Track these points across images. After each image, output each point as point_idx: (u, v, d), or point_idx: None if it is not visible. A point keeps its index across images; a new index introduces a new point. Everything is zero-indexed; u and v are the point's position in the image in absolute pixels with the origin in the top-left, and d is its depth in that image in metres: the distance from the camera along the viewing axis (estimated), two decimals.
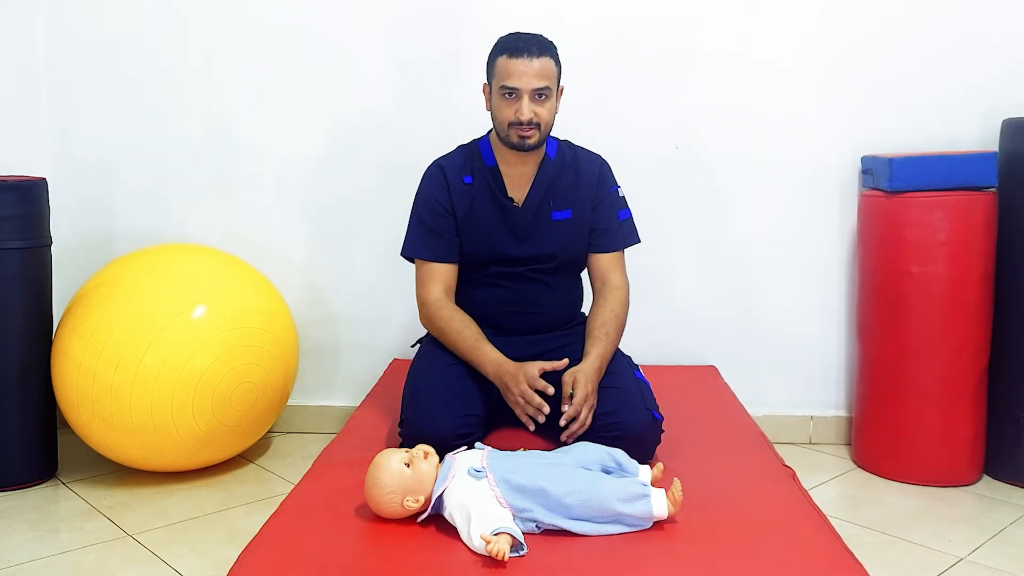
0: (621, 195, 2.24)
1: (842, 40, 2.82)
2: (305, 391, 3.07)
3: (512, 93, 2.04)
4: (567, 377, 1.96)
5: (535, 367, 1.95)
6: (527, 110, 2.03)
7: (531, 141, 2.07)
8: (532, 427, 1.95)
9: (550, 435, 2.01)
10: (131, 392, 2.39)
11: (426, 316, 2.17)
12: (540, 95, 2.04)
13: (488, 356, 2.03)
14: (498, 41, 2.10)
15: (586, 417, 1.92)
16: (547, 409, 1.92)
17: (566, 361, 1.99)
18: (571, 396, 1.92)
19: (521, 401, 1.94)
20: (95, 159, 3.01)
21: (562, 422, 1.92)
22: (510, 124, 2.06)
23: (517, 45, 2.04)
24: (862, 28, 2.81)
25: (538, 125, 2.06)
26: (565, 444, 1.89)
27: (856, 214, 2.81)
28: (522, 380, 1.94)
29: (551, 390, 1.93)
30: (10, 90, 2.93)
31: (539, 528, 1.59)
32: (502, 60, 2.05)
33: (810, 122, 2.86)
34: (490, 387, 2.08)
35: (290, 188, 2.99)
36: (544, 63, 2.04)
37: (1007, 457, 2.64)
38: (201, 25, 2.94)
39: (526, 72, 2.02)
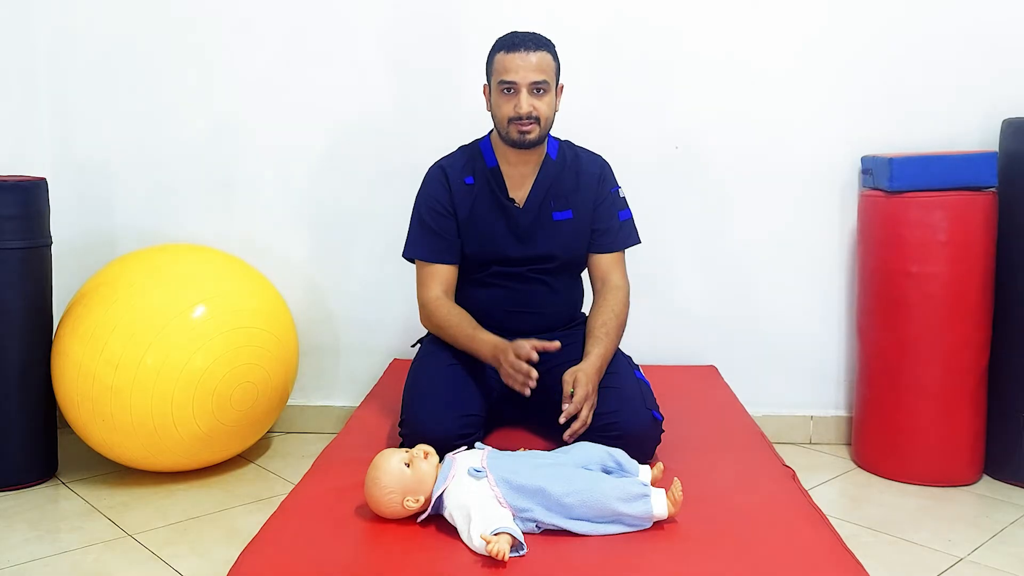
0: (622, 195, 2.24)
1: (842, 40, 2.82)
2: (305, 391, 3.07)
3: (511, 88, 2.04)
4: (567, 376, 1.95)
5: (527, 343, 1.94)
6: (525, 104, 2.03)
7: (531, 136, 2.07)
8: (527, 392, 1.92)
9: (550, 435, 2.01)
10: (131, 392, 2.39)
11: (425, 316, 2.17)
12: (538, 89, 2.04)
13: (485, 340, 2.02)
14: (496, 40, 2.10)
15: (587, 416, 1.92)
16: (535, 374, 1.90)
17: (558, 344, 1.97)
18: (571, 395, 1.92)
19: (511, 371, 1.92)
20: (95, 159, 3.01)
21: (562, 420, 1.91)
22: (510, 120, 2.06)
23: (514, 41, 2.05)
24: (862, 28, 2.81)
25: (537, 120, 2.06)
26: (565, 444, 1.89)
27: (856, 214, 2.81)
28: (510, 352, 1.93)
29: (535, 356, 1.91)
30: (10, 90, 2.93)
31: (539, 528, 1.59)
32: (500, 56, 2.06)
33: (810, 122, 2.86)
34: (490, 387, 2.08)
35: (290, 188, 2.99)
36: (541, 57, 2.04)
37: (1007, 457, 2.64)
38: (201, 25, 2.94)
39: (523, 66, 2.02)
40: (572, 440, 1.90)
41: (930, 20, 2.79)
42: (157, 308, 2.45)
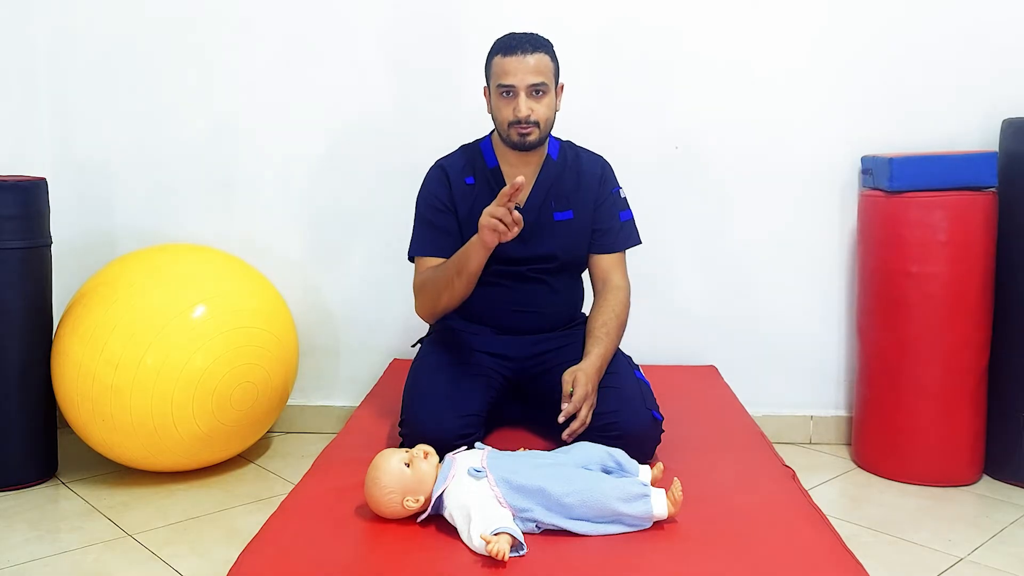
0: (623, 196, 2.24)
1: (842, 40, 2.82)
2: (305, 391, 3.07)
3: (509, 91, 2.04)
4: (567, 376, 1.95)
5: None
6: (524, 107, 2.03)
7: (531, 138, 2.07)
8: (515, 231, 1.84)
9: (550, 435, 2.01)
10: (131, 392, 2.39)
11: (418, 289, 2.13)
12: (537, 92, 2.04)
13: (469, 242, 1.95)
14: (494, 43, 2.10)
15: (586, 416, 1.92)
16: (515, 199, 1.81)
17: (522, 180, 1.82)
18: (571, 395, 1.92)
19: (492, 219, 1.83)
20: (95, 159, 3.01)
21: (561, 419, 1.91)
22: (510, 123, 2.05)
23: (511, 43, 2.05)
24: (862, 28, 2.81)
25: (537, 123, 2.05)
26: (565, 444, 1.89)
27: (856, 214, 2.81)
28: (485, 215, 1.85)
29: (509, 198, 1.82)
30: (10, 90, 2.93)
31: (539, 528, 1.59)
32: (498, 59, 2.05)
33: (810, 122, 2.86)
34: (489, 387, 2.08)
35: (290, 188, 2.99)
36: (539, 59, 2.04)
37: (1007, 457, 2.64)
38: (201, 25, 2.94)
39: (521, 68, 2.02)
40: (571, 440, 1.90)
41: (930, 20, 2.79)
42: (157, 308, 2.45)
